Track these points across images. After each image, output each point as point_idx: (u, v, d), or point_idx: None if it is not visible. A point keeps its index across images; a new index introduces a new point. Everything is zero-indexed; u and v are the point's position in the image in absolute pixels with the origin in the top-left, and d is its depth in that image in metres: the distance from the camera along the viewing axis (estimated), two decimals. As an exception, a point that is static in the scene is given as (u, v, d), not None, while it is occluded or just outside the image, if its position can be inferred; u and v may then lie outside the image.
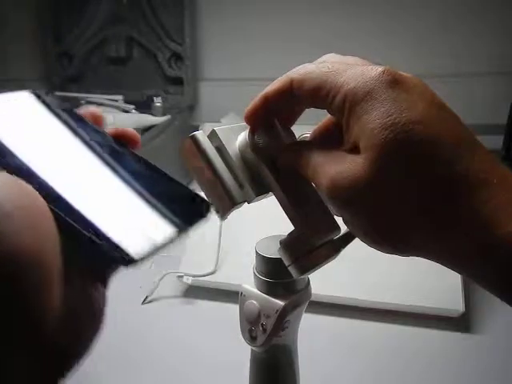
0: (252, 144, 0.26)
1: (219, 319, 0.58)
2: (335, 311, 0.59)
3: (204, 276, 0.63)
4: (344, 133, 0.23)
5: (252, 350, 0.34)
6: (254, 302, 0.32)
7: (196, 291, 0.64)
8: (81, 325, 0.19)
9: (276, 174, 0.26)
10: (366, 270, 0.59)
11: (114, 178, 0.21)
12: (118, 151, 0.23)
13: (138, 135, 0.25)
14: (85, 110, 0.24)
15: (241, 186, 0.26)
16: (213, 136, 0.26)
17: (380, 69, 0.22)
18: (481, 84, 1.03)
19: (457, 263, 0.22)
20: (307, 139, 0.29)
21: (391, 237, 0.22)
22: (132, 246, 0.18)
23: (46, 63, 1.17)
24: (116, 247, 0.17)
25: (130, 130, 0.24)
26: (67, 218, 0.17)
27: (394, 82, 0.21)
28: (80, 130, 0.23)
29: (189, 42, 1.07)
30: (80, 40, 1.11)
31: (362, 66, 0.23)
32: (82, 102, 1.00)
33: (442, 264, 0.22)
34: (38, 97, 0.24)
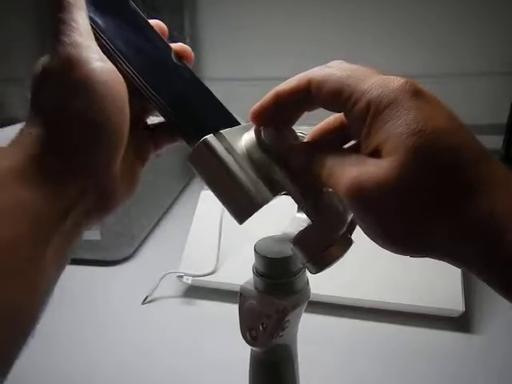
0: (262, 143, 0.26)
1: (219, 319, 0.58)
2: (335, 311, 0.59)
3: (204, 276, 0.63)
4: (363, 138, 0.24)
5: (252, 349, 0.34)
6: (254, 303, 0.32)
7: (196, 291, 0.64)
8: (123, 185, 0.27)
9: (287, 171, 0.26)
10: (366, 270, 0.59)
11: (181, 77, 0.30)
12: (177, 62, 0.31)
13: (192, 54, 0.31)
14: (154, 21, 0.30)
15: (257, 187, 0.26)
16: (221, 139, 0.26)
17: (402, 80, 0.23)
18: (481, 84, 1.03)
19: (472, 266, 0.22)
20: (305, 139, 0.29)
21: (409, 239, 0.23)
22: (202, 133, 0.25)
23: (46, 63, 1.17)
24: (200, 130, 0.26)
25: (187, 47, 0.31)
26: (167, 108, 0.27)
27: (417, 93, 0.22)
28: (153, 34, 0.30)
29: (189, 42, 1.07)
30: (80, 40, 1.11)
31: (381, 75, 0.24)
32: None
33: (455, 266, 0.23)
34: None
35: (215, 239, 0.64)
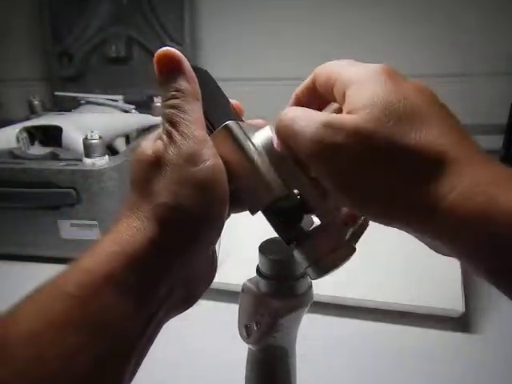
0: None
1: (219, 319, 0.58)
2: (335, 311, 0.59)
3: (204, 276, 0.63)
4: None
5: (249, 349, 0.35)
6: (252, 301, 0.32)
7: (196, 291, 0.64)
8: (205, 269, 0.28)
9: (301, 168, 0.26)
10: (366, 270, 0.59)
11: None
12: None
13: None
14: (233, 101, 0.30)
15: (274, 178, 0.25)
16: (241, 128, 0.26)
17: (379, 64, 0.24)
18: (481, 84, 1.03)
19: (418, 233, 0.23)
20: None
21: (358, 197, 0.23)
22: None
23: (46, 63, 1.17)
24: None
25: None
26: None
27: (389, 74, 0.24)
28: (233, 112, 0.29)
29: (189, 42, 1.07)
30: (80, 40, 1.11)
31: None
32: (82, 101, 1.00)
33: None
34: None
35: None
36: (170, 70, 0.25)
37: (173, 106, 0.24)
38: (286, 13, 1.08)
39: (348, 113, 0.23)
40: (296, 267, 0.31)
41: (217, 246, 0.67)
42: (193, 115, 0.24)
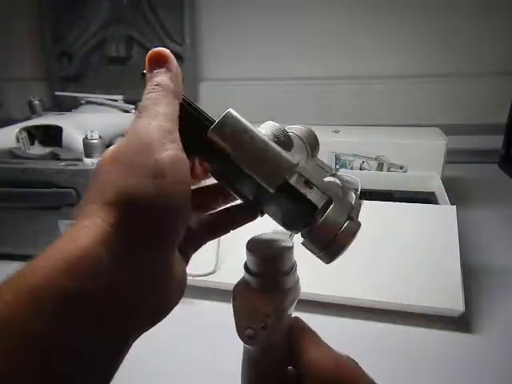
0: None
1: (219, 319, 0.58)
2: (335, 311, 0.59)
3: (204, 276, 0.63)
4: None
5: (244, 348, 0.34)
6: (251, 301, 0.31)
7: (196, 291, 0.64)
8: (170, 283, 0.24)
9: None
10: (366, 270, 0.59)
11: None
12: None
13: None
14: None
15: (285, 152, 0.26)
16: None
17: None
18: (481, 84, 1.03)
19: None
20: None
21: None
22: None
23: (46, 63, 1.17)
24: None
25: None
26: None
27: None
28: None
29: (189, 42, 1.07)
30: (80, 40, 1.12)
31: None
32: (82, 101, 1.00)
33: None
34: None
35: (215, 239, 0.64)
36: (157, 67, 0.25)
37: (148, 98, 0.24)
38: (287, 13, 1.08)
39: None
40: (290, 259, 0.31)
41: (216, 246, 0.66)
42: (166, 109, 0.23)
